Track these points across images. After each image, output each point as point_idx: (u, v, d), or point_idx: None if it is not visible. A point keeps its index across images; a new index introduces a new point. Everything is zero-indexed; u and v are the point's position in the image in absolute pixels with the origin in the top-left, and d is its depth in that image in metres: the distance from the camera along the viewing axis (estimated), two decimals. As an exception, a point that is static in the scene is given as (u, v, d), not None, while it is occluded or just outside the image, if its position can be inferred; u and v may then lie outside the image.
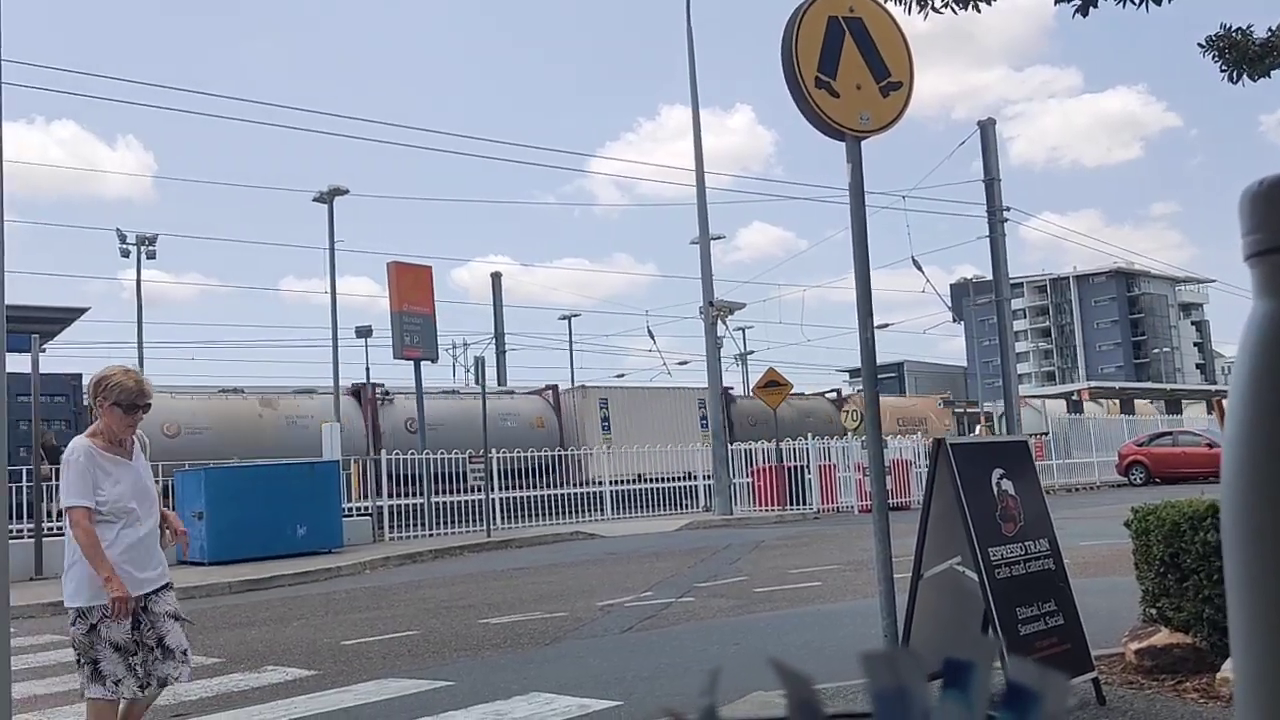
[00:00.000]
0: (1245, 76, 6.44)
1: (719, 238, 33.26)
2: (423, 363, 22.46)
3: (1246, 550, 0.68)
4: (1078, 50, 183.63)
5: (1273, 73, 6.43)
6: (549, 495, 23.13)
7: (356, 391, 26.31)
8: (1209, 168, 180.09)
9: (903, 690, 0.55)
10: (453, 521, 20.86)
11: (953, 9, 6.03)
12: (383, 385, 26.84)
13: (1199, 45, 6.51)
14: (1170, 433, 31.24)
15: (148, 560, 4.63)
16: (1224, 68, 6.45)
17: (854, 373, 57.57)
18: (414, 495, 20.72)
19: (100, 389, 4.62)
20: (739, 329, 49.10)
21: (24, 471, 16.73)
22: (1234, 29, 6.43)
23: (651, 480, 24.88)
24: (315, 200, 27.57)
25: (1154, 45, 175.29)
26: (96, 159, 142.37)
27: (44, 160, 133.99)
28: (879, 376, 5.70)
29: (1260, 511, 0.67)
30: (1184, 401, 49.43)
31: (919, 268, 28.11)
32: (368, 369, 26.25)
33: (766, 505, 24.10)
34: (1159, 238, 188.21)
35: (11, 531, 14.86)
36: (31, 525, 15.80)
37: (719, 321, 24.83)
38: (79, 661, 4.59)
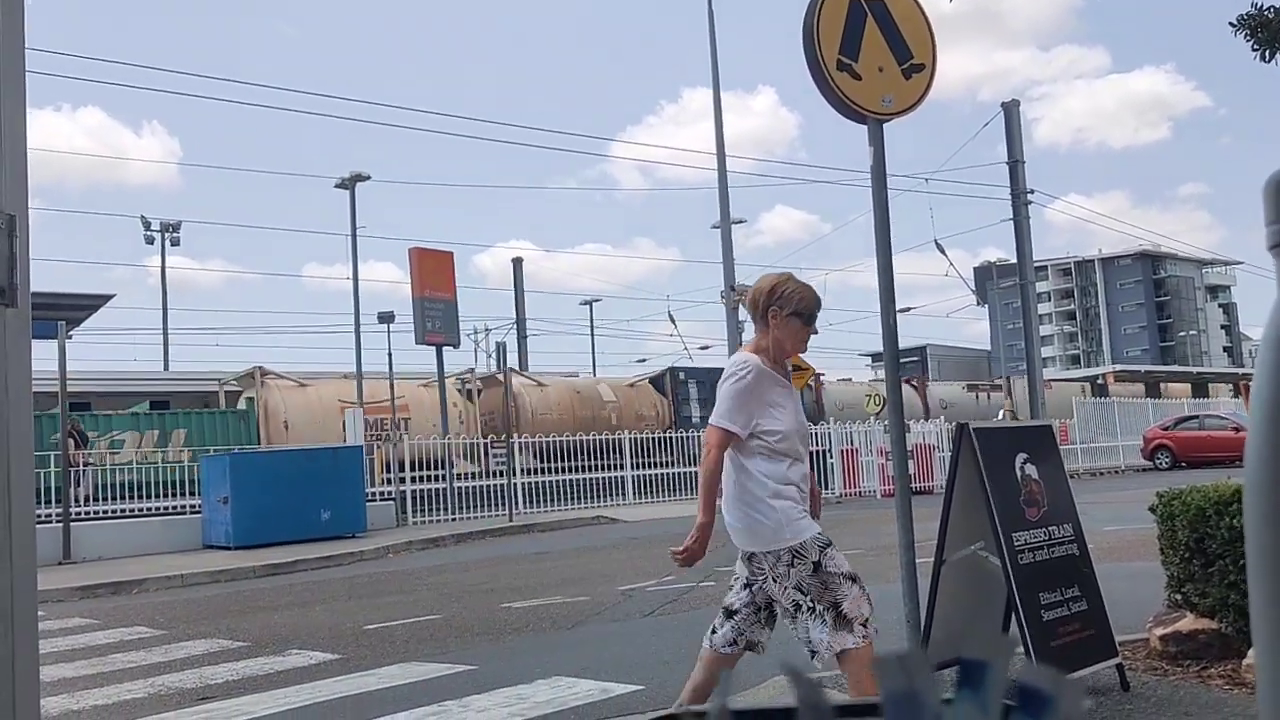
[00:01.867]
0: (1278, 55, 6.34)
1: (740, 221, 33.17)
2: (444, 348, 22.53)
3: (1270, 538, 0.67)
4: (1106, 29, 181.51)
5: None
6: (570, 480, 23.19)
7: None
8: (1238, 147, 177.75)
9: (914, 694, 0.54)
10: (474, 506, 20.95)
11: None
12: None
13: (1230, 24, 6.42)
14: (1196, 416, 30.97)
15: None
16: (1255, 46, 6.35)
17: (876, 356, 57.34)
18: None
19: (775, 296, 3.94)
20: (761, 313, 48.92)
21: (51, 456, 16.93)
22: (1267, 7, 6.33)
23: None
24: (338, 186, 27.64)
25: (1182, 23, 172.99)
26: (123, 146, 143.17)
27: (71, 147, 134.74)
28: (901, 360, 5.66)
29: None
30: (1210, 385, 49.01)
31: (942, 251, 27.89)
32: (390, 354, 26.26)
33: (788, 490, 24.05)
34: (1187, 219, 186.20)
35: (39, 516, 15.08)
36: (60, 510, 15.97)
37: (740, 306, 24.76)
38: (812, 609, 3.77)
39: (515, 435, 23.69)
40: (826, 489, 23.85)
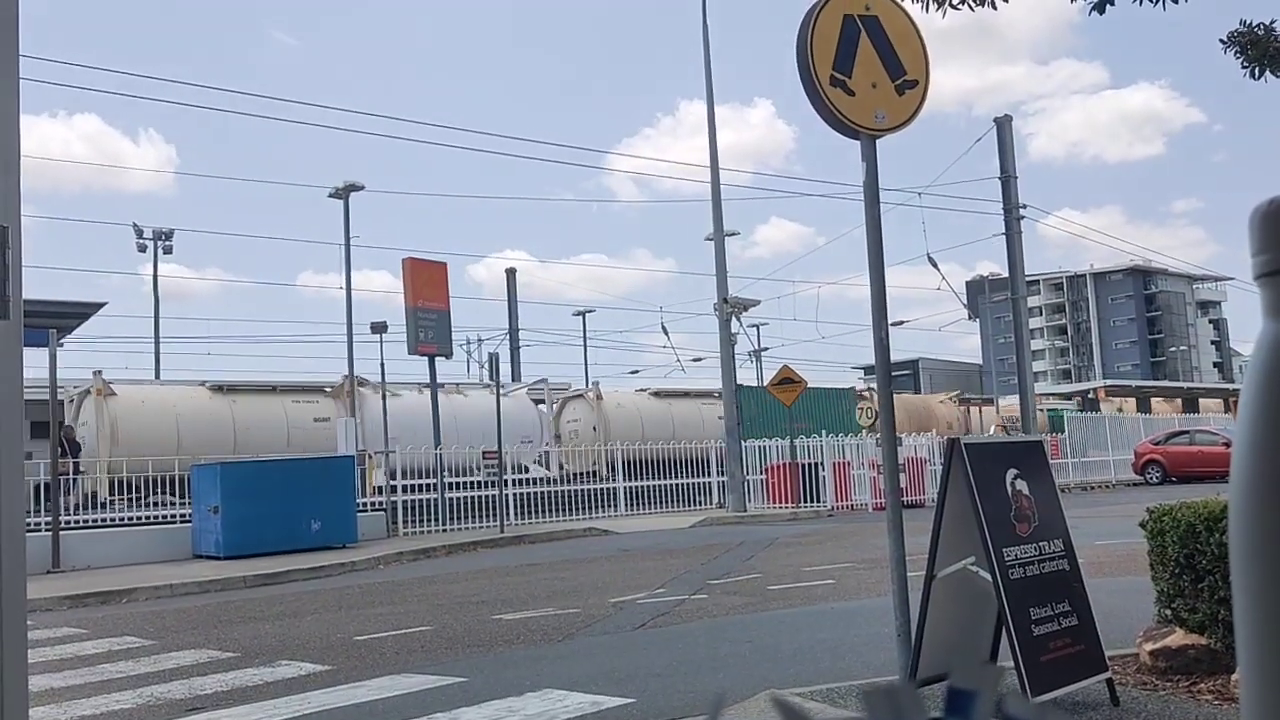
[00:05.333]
0: (1268, 73, 6.39)
1: (734, 234, 33.21)
2: (437, 359, 22.50)
3: (1255, 564, 0.67)
4: (1103, 45, 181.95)
5: None
6: (562, 491, 23.14)
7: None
8: (1232, 164, 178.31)
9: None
10: (466, 517, 20.90)
11: (969, 6, 6.00)
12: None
13: (1220, 41, 6.46)
14: (1187, 431, 31.03)
15: None
16: (1245, 64, 6.40)
17: (869, 370, 57.42)
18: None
19: None
20: (753, 326, 49.04)
21: (41, 465, 16.86)
22: (1256, 25, 6.38)
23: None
24: (331, 196, 27.63)
25: (1179, 39, 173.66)
26: (120, 153, 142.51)
27: (68, 154, 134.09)
28: (894, 374, 5.68)
29: (1268, 527, 0.66)
30: (1201, 400, 49.16)
31: (934, 265, 28.06)
32: (382, 364, 26.20)
33: (780, 502, 24.07)
34: (1181, 234, 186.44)
35: (29, 524, 15.03)
36: (49, 518, 15.90)
37: (733, 318, 24.79)
38: None
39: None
40: (819, 502, 23.85)
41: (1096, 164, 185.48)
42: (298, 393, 25.30)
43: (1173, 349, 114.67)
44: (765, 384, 27.73)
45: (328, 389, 25.79)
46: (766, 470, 25.02)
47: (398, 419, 23.35)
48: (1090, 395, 44.98)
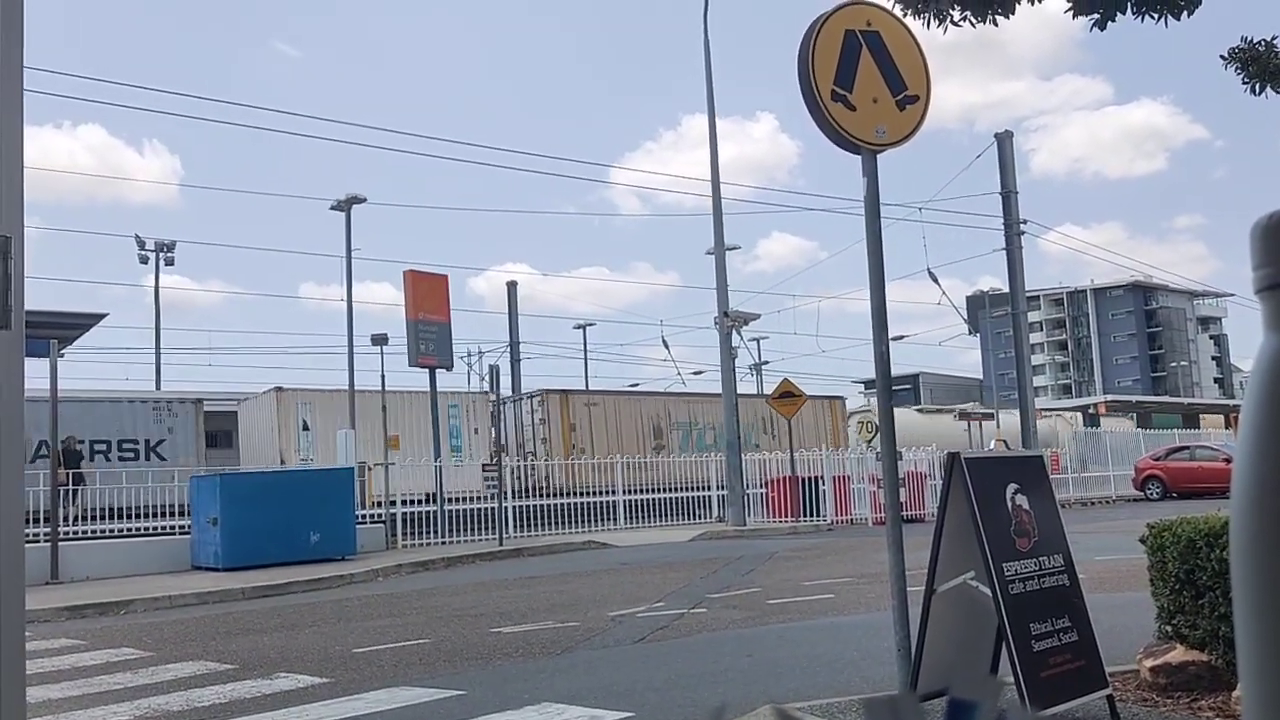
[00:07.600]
0: (1269, 89, 6.41)
1: (735, 248, 33.29)
2: (437, 371, 22.51)
3: (1256, 580, 0.67)
4: (1107, 61, 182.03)
5: None
6: (562, 504, 23.10)
7: None
8: (1234, 180, 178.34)
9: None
10: (465, 529, 20.87)
11: (971, 21, 6.02)
12: None
13: (1221, 58, 6.49)
14: (1187, 447, 31.01)
15: None
16: (1246, 80, 6.42)
17: (869, 384, 57.40)
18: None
19: None
20: (754, 339, 49.10)
21: (41, 475, 16.85)
22: (1257, 41, 6.40)
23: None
24: (333, 208, 27.68)
25: (1183, 55, 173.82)
26: (124, 164, 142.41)
27: (72, 165, 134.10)
28: (894, 388, 5.68)
29: (1270, 543, 0.66)
30: (1201, 416, 49.13)
31: (935, 280, 28.10)
32: (383, 376, 26.27)
33: (780, 516, 24.03)
34: (1182, 250, 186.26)
35: (28, 535, 14.99)
36: (48, 529, 15.87)
37: (734, 332, 24.79)
38: None
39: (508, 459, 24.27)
40: (818, 516, 23.81)
41: (1098, 180, 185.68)
42: (941, 413, 38.78)
43: (1173, 364, 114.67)
44: (767, 397, 27.73)
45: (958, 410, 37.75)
46: (766, 484, 24.99)
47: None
48: (1091, 410, 44.95)
